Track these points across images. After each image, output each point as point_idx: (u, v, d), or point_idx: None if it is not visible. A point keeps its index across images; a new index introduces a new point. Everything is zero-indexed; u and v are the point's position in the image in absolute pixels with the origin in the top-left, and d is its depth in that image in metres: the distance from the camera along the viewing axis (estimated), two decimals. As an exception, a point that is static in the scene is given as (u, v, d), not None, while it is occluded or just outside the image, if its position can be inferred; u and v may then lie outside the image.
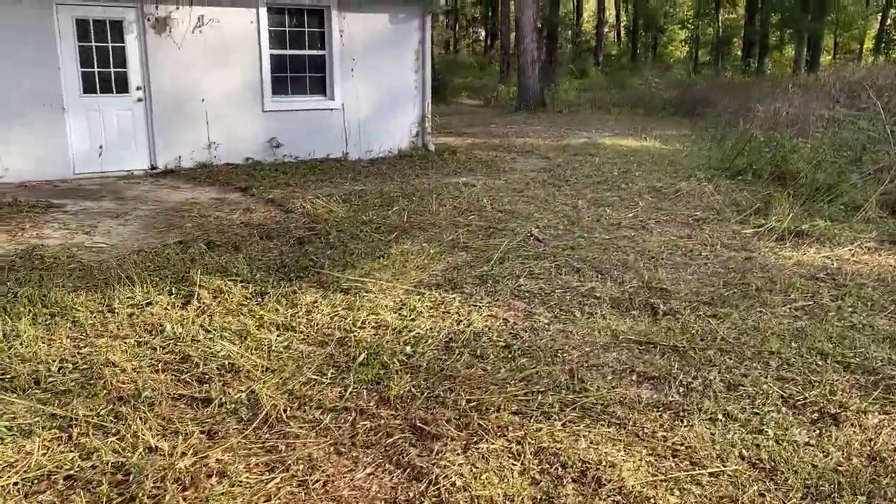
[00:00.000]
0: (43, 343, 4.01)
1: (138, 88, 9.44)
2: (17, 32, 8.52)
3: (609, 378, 3.83)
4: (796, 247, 6.50)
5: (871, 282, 5.49)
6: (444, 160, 11.28)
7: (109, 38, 9.16)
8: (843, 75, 18.19)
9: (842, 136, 9.56)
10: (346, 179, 9.49)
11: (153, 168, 9.71)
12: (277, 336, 4.24)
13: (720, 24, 37.93)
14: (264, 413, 3.35)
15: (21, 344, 3.95)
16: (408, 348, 4.09)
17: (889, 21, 35.55)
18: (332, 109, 10.88)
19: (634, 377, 3.86)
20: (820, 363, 4.05)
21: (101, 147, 9.26)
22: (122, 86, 9.35)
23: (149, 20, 9.30)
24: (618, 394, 3.64)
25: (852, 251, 6.34)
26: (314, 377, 3.74)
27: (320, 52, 10.68)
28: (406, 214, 7.34)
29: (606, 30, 46.46)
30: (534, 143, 13.86)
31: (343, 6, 10.60)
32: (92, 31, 9.03)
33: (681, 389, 3.71)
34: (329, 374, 3.79)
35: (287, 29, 10.39)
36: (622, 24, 48.02)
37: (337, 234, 6.48)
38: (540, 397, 3.57)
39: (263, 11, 10.04)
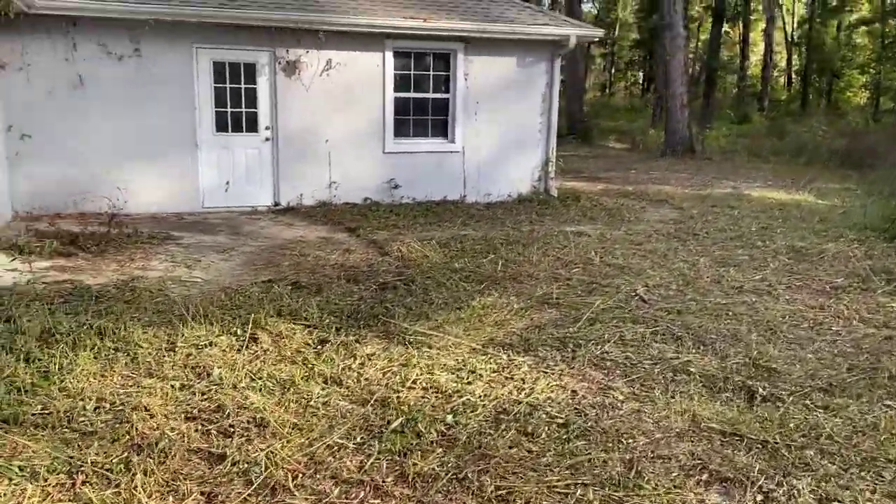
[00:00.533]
0: (94, 379, 4.03)
1: (267, 128, 9.83)
2: (160, 73, 9.14)
3: (673, 475, 3.26)
4: (955, 327, 5.47)
5: None
6: (566, 206, 10.82)
7: (243, 79, 9.62)
8: None
9: None
10: (455, 223, 9.29)
11: (276, 205, 10.02)
12: (321, 390, 4.02)
13: (905, 67, 34.56)
14: (272, 478, 3.11)
15: (74, 378, 4.00)
16: (449, 417, 3.72)
17: None
18: (452, 152, 10.79)
19: (705, 476, 3.26)
20: (954, 482, 3.24)
21: (227, 183, 9.68)
22: (252, 125, 9.77)
23: (280, 63, 9.68)
24: (677, 496, 3.07)
25: None
26: (341, 441, 3.46)
27: (444, 96, 10.66)
28: (502, 264, 6.98)
29: (776, 74, 43.88)
30: (670, 191, 13.04)
31: (470, 50, 10.55)
32: (227, 73, 9.52)
33: (758, 497, 3.08)
34: (358, 439, 3.50)
35: (412, 72, 10.46)
36: (793, 69, 45.12)
37: (422, 281, 6.24)
38: (580, 491, 3.08)
39: (390, 55, 10.17)
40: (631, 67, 52.77)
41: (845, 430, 3.72)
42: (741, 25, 38.80)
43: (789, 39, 43.14)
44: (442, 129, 10.80)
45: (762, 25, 40.91)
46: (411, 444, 3.45)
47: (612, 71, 52.34)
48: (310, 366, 4.33)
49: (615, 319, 5.48)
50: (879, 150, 17.84)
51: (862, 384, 4.35)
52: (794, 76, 44.69)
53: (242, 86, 9.64)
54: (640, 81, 50.92)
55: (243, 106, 9.70)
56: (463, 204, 10.74)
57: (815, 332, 5.34)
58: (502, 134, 11.04)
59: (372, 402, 3.88)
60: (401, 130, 10.55)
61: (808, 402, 4.06)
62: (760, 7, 39.48)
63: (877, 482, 3.24)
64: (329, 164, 10.15)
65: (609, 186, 13.67)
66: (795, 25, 43.11)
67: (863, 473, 3.30)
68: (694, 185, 13.98)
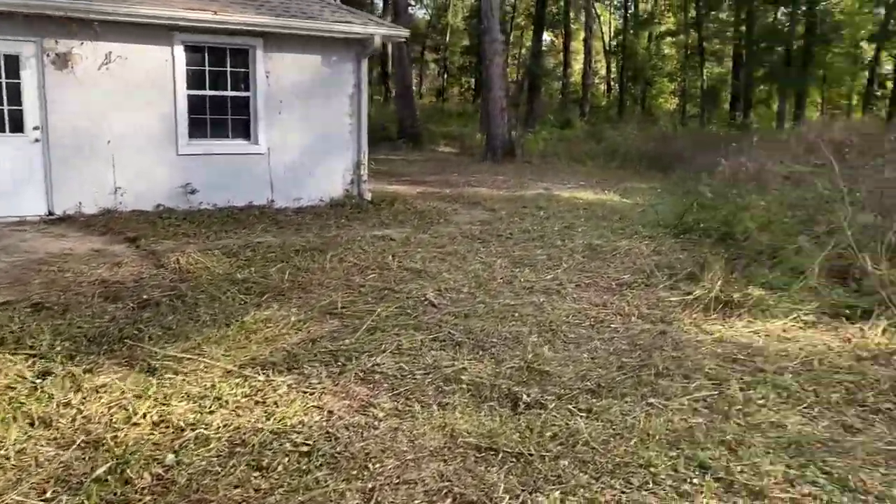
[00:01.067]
0: None
1: (35, 128, 8.72)
2: None
3: (415, 502, 2.96)
4: (724, 319, 5.66)
5: (796, 365, 4.64)
6: (378, 210, 10.51)
7: (3, 73, 8.47)
8: (808, 130, 17.53)
9: (797, 195, 8.81)
10: (254, 230, 8.69)
11: (50, 214, 8.92)
12: (21, 434, 3.37)
13: (705, 77, 37.70)
14: (-89, 557, 2.48)
15: None
16: (170, 457, 3.22)
17: (877, 79, 35.14)
18: (256, 154, 10.15)
19: (448, 501, 2.99)
20: (696, 481, 3.19)
21: (-14, 191, 8.50)
22: (17, 125, 8.62)
23: (48, 56, 8.62)
24: (412, 529, 2.77)
25: (785, 325, 5.49)
26: (21, 498, 2.87)
27: (244, 94, 10.01)
28: (291, 272, 6.52)
29: (596, 81, 46.35)
30: (486, 193, 13.12)
31: (270, 46, 9.97)
32: (-17, 66, 8.36)
33: (498, 522, 2.85)
34: (48, 493, 2.92)
35: (207, 68, 9.72)
36: (612, 77, 47.94)
37: (193, 296, 5.65)
38: (304, 535, 2.70)
39: (179, 49, 9.38)
40: (464, 73, 53.82)
41: (604, 434, 3.61)
42: (563, 34, 40.62)
43: (607, 49, 45.77)
44: (244, 129, 10.13)
45: (583, 35, 43.15)
46: (114, 494, 2.92)
47: (445, 76, 53.09)
48: (17, 405, 3.65)
49: (398, 327, 5.20)
50: (685, 154, 19.07)
51: (629, 383, 4.31)
52: (612, 83, 47.50)
53: (3, 80, 8.49)
54: (472, 87, 52.01)
55: (5, 103, 8.54)
56: (270, 210, 10.13)
57: (595, 331, 5.33)
58: (310, 136, 10.54)
59: (81, 444, 3.30)
60: (197, 131, 9.76)
61: (572, 406, 3.93)
62: (580, 16, 41.59)
63: (625, 490, 3.11)
64: (113, 168, 9.19)
65: (427, 189, 13.54)
66: (612, 35, 45.82)
67: (612, 481, 3.17)
68: (509, 188, 14.16)
